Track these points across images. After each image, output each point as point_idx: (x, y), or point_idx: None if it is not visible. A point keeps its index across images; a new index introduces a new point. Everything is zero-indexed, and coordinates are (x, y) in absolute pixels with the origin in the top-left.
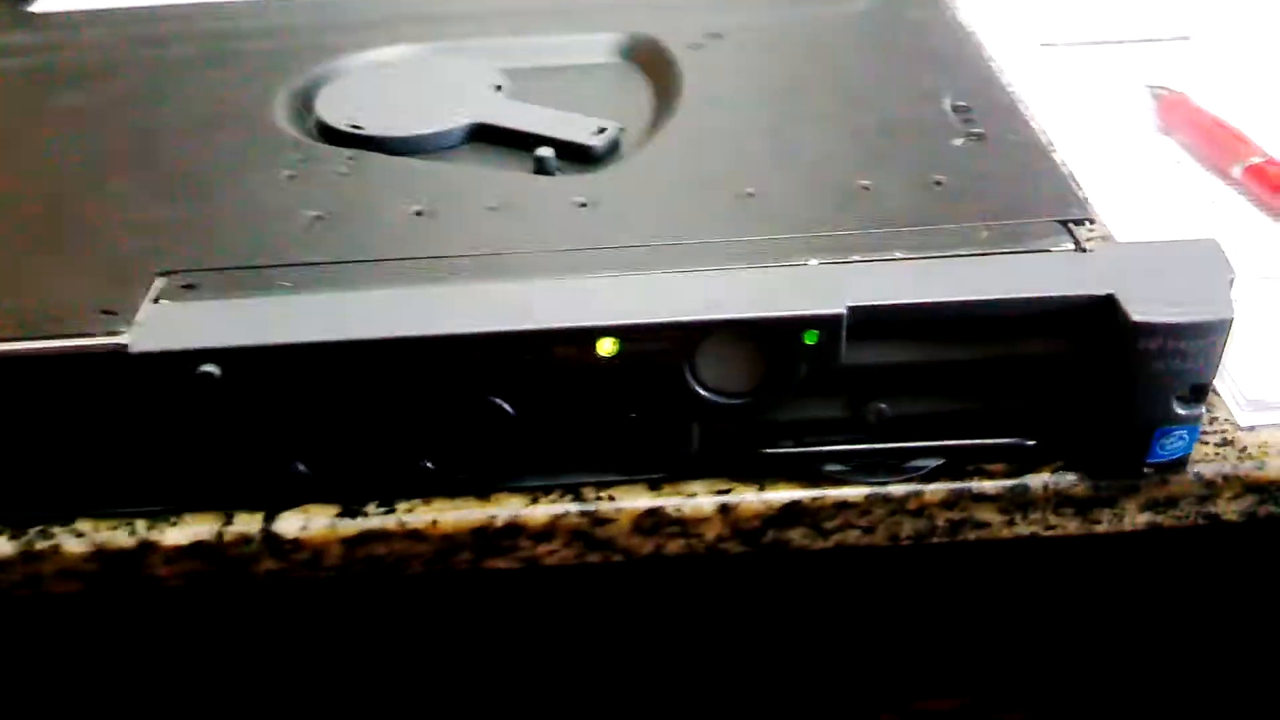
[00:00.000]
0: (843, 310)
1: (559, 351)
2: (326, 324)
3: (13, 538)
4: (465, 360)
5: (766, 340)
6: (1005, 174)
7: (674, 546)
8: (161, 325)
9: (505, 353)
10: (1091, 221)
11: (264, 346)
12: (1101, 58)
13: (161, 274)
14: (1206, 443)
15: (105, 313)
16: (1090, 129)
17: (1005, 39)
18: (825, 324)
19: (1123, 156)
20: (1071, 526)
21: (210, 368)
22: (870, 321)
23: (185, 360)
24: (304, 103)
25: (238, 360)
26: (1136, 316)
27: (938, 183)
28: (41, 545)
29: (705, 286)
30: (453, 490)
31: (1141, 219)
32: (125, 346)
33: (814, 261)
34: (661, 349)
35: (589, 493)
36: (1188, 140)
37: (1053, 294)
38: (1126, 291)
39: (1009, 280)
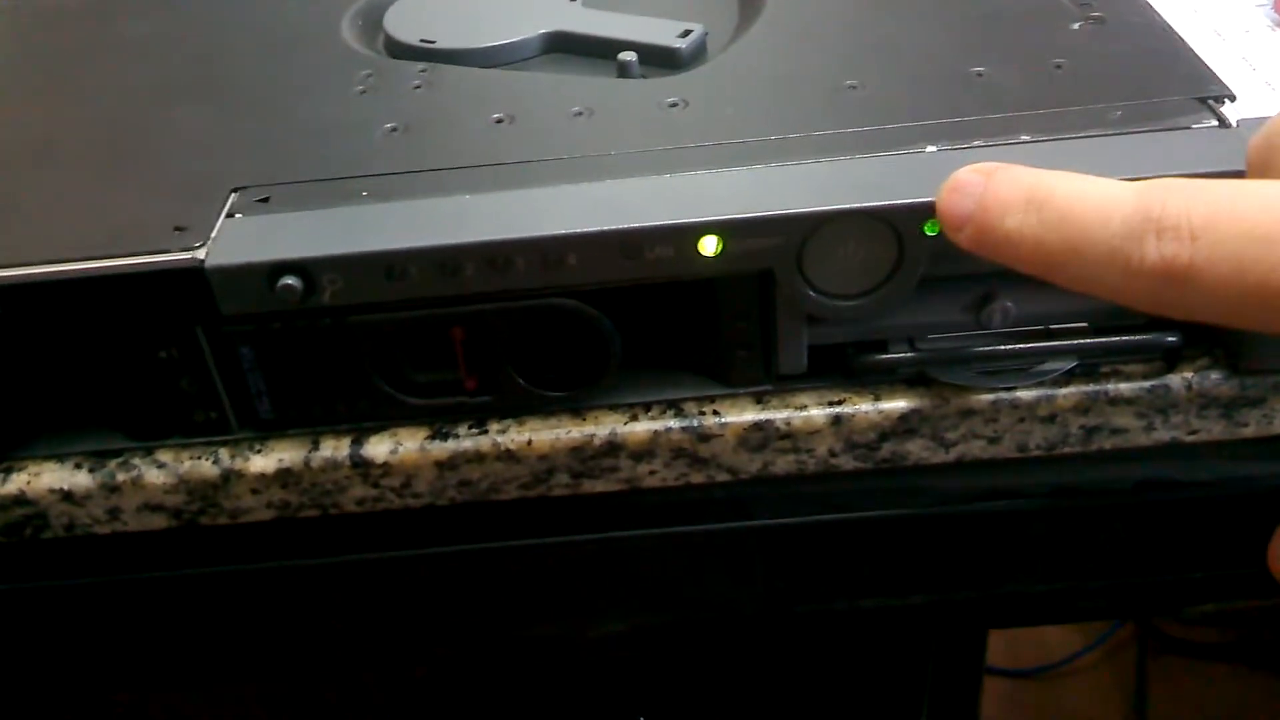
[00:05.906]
0: None
1: (657, 253)
2: (410, 230)
3: (92, 470)
4: (556, 266)
5: (883, 233)
6: (1131, 54)
7: (783, 463)
8: (237, 239)
9: (599, 256)
10: (1232, 98)
11: (345, 256)
12: None
13: (235, 190)
14: None
15: (178, 229)
16: (1200, 26)
17: None
18: None
19: (1240, 52)
20: (1216, 430)
21: (291, 280)
22: None
23: (264, 273)
24: (371, 21)
25: (317, 271)
26: None
27: (1058, 66)
28: (123, 477)
29: (814, 177)
30: (547, 409)
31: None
32: (201, 262)
33: (932, 148)
34: (768, 246)
35: (691, 407)
36: None
37: (1201, 170)
38: None
39: (1151, 158)
